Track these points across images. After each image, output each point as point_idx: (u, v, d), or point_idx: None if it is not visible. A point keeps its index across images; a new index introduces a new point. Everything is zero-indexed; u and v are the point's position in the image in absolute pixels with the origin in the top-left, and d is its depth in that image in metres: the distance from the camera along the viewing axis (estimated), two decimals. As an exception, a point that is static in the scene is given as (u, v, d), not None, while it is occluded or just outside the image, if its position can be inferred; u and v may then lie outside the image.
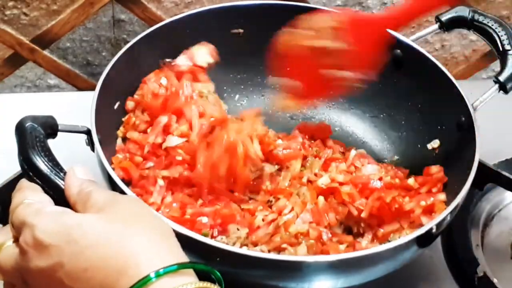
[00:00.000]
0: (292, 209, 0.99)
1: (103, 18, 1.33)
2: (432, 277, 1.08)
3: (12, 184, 1.05)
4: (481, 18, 1.13)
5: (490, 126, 1.34)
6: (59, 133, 0.91)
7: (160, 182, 1.00)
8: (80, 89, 1.41)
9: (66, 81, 1.41)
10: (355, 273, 0.90)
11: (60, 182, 0.77)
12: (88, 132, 0.97)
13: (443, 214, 0.91)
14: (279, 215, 0.98)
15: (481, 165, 1.13)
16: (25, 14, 1.30)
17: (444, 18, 1.17)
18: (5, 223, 1.05)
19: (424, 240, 0.92)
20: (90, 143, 0.97)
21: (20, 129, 0.84)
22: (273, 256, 0.86)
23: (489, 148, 1.25)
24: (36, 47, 1.34)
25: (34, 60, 1.36)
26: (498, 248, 1.14)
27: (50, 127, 0.89)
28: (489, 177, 1.14)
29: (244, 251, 0.88)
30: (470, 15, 1.14)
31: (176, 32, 1.18)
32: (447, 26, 1.17)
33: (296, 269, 0.85)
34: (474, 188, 1.16)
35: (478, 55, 1.53)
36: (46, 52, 1.36)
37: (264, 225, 0.97)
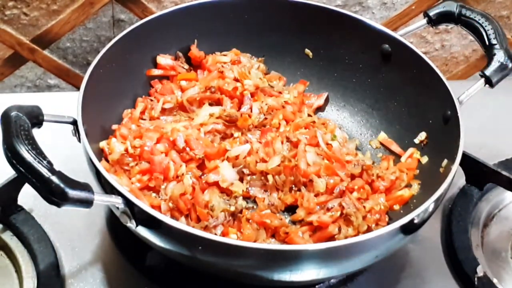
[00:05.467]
0: None
1: (103, 18, 1.33)
2: (433, 277, 1.08)
3: (12, 184, 1.06)
4: (468, 13, 1.14)
5: (490, 126, 1.35)
6: (51, 125, 0.92)
7: None
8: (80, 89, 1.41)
9: (66, 81, 1.41)
10: (346, 259, 0.91)
11: (42, 170, 0.77)
12: (74, 123, 0.97)
13: (426, 203, 0.92)
14: None
15: (481, 165, 1.14)
16: (25, 14, 1.30)
17: (432, 13, 1.17)
18: (5, 223, 1.06)
19: (408, 229, 0.92)
20: (77, 134, 0.98)
21: (5, 118, 0.85)
22: (250, 244, 0.88)
23: (489, 148, 1.25)
24: (36, 47, 1.35)
25: (34, 60, 1.36)
26: (498, 248, 1.14)
27: (36, 117, 0.90)
28: (489, 177, 1.14)
29: (223, 239, 0.89)
30: (457, 10, 1.15)
31: (165, 26, 1.20)
32: (435, 21, 1.17)
33: (278, 258, 0.86)
34: (473, 188, 1.17)
35: (478, 55, 1.53)
36: (46, 52, 1.36)
37: None
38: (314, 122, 1.20)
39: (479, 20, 1.12)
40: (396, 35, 1.18)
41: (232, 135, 1.15)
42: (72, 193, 0.79)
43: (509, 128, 1.35)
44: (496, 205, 1.20)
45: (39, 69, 1.38)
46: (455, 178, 0.97)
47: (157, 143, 1.08)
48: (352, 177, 1.10)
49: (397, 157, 1.17)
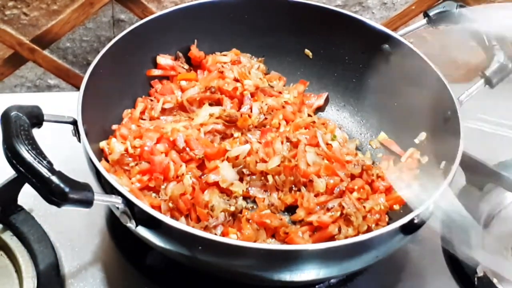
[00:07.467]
0: None
1: (103, 18, 1.33)
2: (433, 277, 1.08)
3: (12, 184, 1.06)
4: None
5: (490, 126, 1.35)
6: (51, 125, 0.92)
7: None
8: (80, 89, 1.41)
9: (66, 81, 1.41)
10: (346, 259, 0.91)
11: (42, 170, 0.77)
12: (74, 123, 0.97)
13: (426, 203, 0.92)
14: None
15: (481, 165, 1.14)
16: (25, 14, 1.30)
17: (432, 13, 1.17)
18: (5, 223, 1.06)
19: (408, 229, 0.93)
20: (77, 134, 0.98)
21: (5, 118, 0.86)
22: (250, 244, 0.88)
23: (489, 148, 1.25)
24: (36, 47, 1.35)
25: (34, 60, 1.36)
26: (498, 248, 1.14)
27: (36, 117, 0.91)
28: (489, 177, 1.14)
29: (223, 239, 0.89)
30: (457, 10, 1.15)
31: (165, 26, 1.20)
32: (435, 21, 1.17)
33: (278, 258, 0.87)
34: (473, 188, 1.17)
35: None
36: (46, 52, 1.36)
37: None
38: (314, 122, 1.20)
39: (479, 20, 1.12)
40: (396, 35, 1.18)
41: (232, 135, 1.15)
42: (72, 193, 0.79)
43: (509, 128, 1.35)
44: (496, 206, 1.20)
45: (39, 69, 1.38)
46: (455, 178, 0.97)
47: (157, 143, 1.08)
48: (352, 177, 1.10)
49: (397, 157, 1.17)
